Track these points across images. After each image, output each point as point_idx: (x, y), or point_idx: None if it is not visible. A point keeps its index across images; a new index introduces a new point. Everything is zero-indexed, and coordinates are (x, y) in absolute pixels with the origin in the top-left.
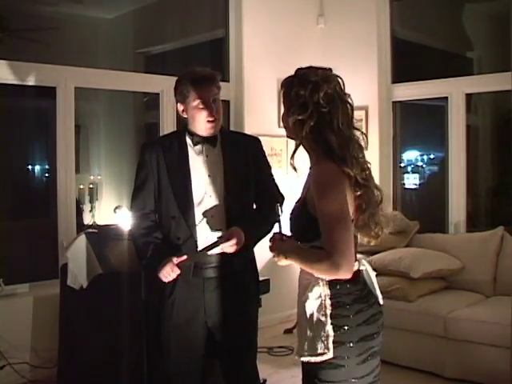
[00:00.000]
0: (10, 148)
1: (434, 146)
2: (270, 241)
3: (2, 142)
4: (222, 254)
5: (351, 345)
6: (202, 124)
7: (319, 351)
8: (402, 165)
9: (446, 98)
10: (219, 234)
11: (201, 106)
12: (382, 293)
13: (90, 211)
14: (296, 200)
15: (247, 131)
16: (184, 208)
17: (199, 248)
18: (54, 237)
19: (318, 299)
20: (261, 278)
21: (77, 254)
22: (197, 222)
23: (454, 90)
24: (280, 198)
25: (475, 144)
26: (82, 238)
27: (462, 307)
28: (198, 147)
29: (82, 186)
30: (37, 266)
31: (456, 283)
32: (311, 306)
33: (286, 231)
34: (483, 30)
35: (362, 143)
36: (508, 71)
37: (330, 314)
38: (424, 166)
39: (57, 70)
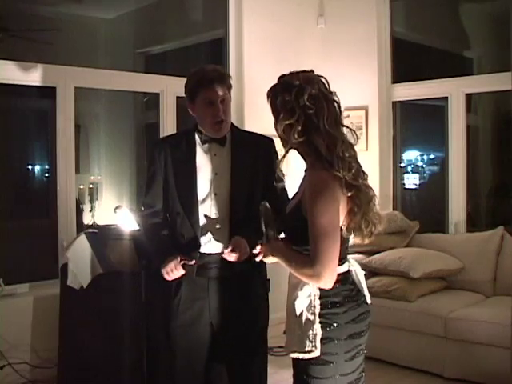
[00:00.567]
0: (10, 148)
1: (434, 146)
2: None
3: (2, 142)
4: None
5: (340, 342)
6: (209, 125)
7: (307, 349)
8: (402, 165)
9: (446, 97)
10: (222, 232)
11: (208, 107)
12: (381, 293)
13: (90, 211)
14: (290, 204)
15: None
16: (187, 206)
17: (202, 245)
18: (54, 237)
19: (307, 298)
20: None
21: (77, 254)
22: (200, 220)
23: (454, 90)
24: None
25: (475, 144)
26: (82, 238)
27: (462, 307)
28: (207, 145)
29: (82, 186)
30: (37, 266)
31: (456, 283)
32: (301, 305)
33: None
34: (483, 30)
35: (352, 140)
36: (508, 71)
37: (319, 313)
38: (424, 165)
39: (57, 70)
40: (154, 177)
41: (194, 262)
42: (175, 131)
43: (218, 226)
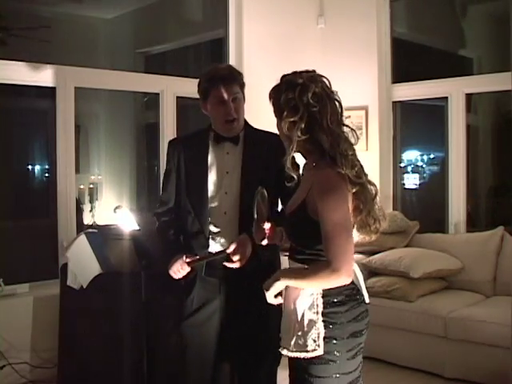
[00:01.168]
0: (10, 148)
1: (434, 145)
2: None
3: (2, 142)
4: None
5: (342, 341)
6: (221, 124)
7: (309, 348)
8: (402, 165)
9: (446, 97)
10: (231, 231)
11: (220, 106)
12: (381, 293)
13: (90, 211)
14: (290, 204)
15: None
16: (197, 204)
17: (209, 245)
18: (54, 237)
19: (310, 297)
20: None
21: (77, 254)
22: (210, 219)
23: (454, 90)
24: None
25: (475, 144)
26: (82, 238)
27: (462, 307)
28: (220, 144)
29: (82, 186)
30: (37, 266)
31: (456, 283)
32: (303, 304)
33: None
34: (483, 30)
35: (352, 140)
36: (508, 71)
37: (322, 312)
38: (424, 165)
39: (57, 69)
40: (168, 175)
41: (198, 257)
42: (175, 131)
43: (227, 225)
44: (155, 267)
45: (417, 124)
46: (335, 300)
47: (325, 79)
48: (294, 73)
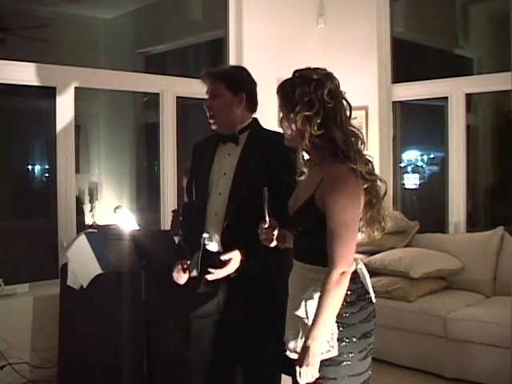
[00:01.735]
0: (10, 148)
1: (434, 146)
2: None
3: (2, 142)
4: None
5: (354, 341)
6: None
7: (324, 349)
8: (402, 165)
9: (446, 97)
10: (218, 232)
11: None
12: (381, 293)
13: (90, 211)
14: (293, 202)
15: None
16: (198, 206)
17: (206, 244)
18: (54, 237)
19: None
20: None
21: (77, 254)
22: (206, 219)
23: (454, 90)
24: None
25: (475, 144)
26: (82, 238)
27: (462, 307)
28: (225, 145)
29: (82, 186)
30: (37, 266)
31: (456, 283)
32: (314, 305)
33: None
34: (483, 30)
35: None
36: (508, 71)
37: None
38: (424, 166)
39: (57, 69)
40: (190, 178)
41: (188, 262)
42: (175, 131)
43: (216, 226)
44: (155, 267)
45: (417, 124)
46: (348, 300)
47: (336, 79)
48: (308, 68)
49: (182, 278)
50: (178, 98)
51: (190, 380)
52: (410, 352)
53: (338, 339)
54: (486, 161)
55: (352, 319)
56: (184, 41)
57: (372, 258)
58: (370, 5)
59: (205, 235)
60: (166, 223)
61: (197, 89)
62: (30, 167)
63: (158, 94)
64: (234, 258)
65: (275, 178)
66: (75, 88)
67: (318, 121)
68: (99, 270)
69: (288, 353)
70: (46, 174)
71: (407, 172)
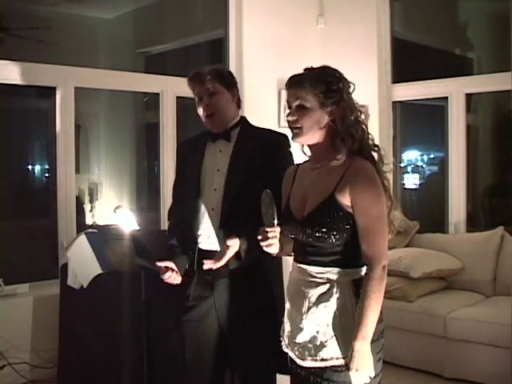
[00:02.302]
0: (10, 148)
1: (434, 145)
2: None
3: (2, 142)
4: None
5: (374, 342)
6: (203, 120)
7: (343, 354)
8: (402, 165)
9: (446, 98)
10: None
11: (198, 102)
12: None
13: (90, 211)
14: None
15: None
16: (188, 202)
17: (200, 243)
18: (54, 237)
19: (342, 300)
20: None
21: (77, 254)
22: (199, 216)
23: (454, 90)
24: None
25: (475, 144)
26: (82, 238)
27: (462, 307)
28: (215, 143)
29: (82, 186)
30: (37, 266)
31: (456, 283)
32: (333, 308)
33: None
34: (483, 30)
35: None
36: (508, 71)
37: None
38: (424, 166)
39: (57, 69)
40: (176, 177)
41: (172, 264)
42: (175, 131)
43: (215, 221)
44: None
45: (417, 124)
46: None
47: None
48: (324, 66)
49: (172, 277)
50: (178, 98)
51: (189, 380)
52: (410, 352)
53: None
54: (485, 161)
55: None
56: (184, 41)
57: None
58: (370, 5)
59: (199, 233)
60: (166, 223)
61: None
62: (29, 167)
63: (158, 94)
64: (233, 245)
65: (271, 176)
66: (75, 88)
67: (343, 114)
68: (99, 270)
69: (301, 362)
70: (46, 174)
71: (407, 172)
